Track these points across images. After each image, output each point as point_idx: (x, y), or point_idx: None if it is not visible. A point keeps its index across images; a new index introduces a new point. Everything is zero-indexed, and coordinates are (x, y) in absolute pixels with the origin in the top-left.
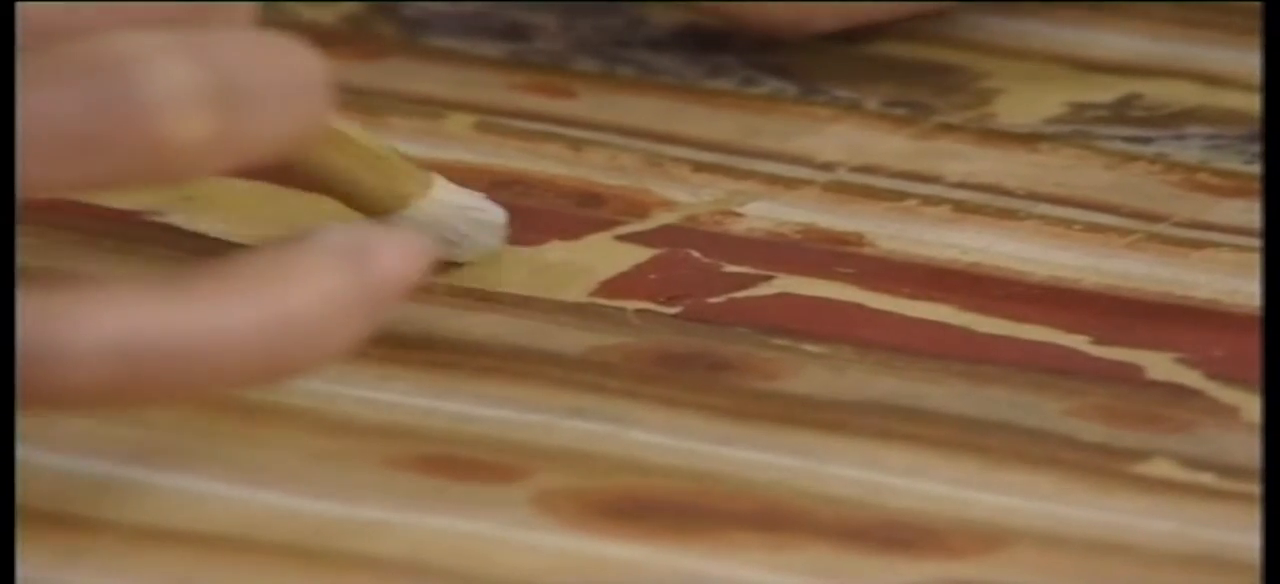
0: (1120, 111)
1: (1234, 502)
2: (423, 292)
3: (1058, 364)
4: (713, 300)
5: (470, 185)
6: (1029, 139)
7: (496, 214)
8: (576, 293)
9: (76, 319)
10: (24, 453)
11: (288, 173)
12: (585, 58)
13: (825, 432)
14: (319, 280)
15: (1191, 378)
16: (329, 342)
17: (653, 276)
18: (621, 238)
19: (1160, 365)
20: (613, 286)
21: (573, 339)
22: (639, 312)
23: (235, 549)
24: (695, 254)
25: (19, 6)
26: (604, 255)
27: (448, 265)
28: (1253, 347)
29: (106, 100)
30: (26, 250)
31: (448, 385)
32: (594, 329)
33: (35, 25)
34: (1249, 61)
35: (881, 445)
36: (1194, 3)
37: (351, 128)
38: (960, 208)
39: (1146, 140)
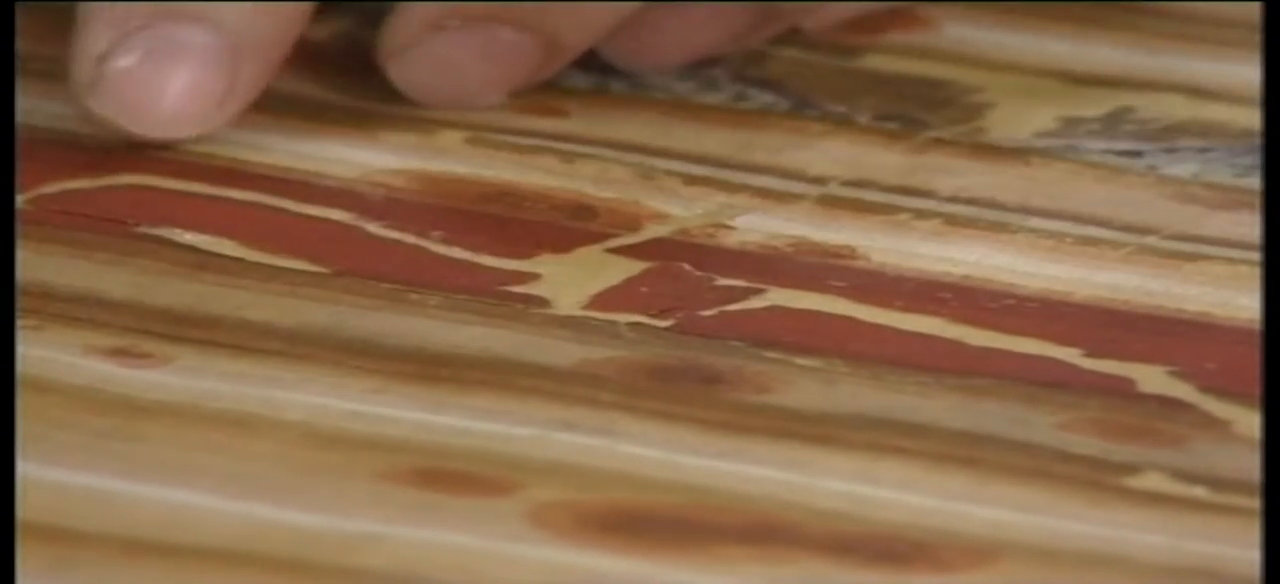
0: (1111, 125)
1: (1226, 515)
2: (414, 304)
3: (1050, 377)
4: (705, 313)
5: (461, 197)
6: (1020, 153)
7: None
8: (568, 306)
9: None
10: (17, 466)
11: None
12: (576, 74)
13: (817, 445)
14: None
15: (1184, 391)
16: None
17: (644, 290)
18: (613, 251)
19: (1152, 379)
20: (604, 299)
21: (564, 352)
22: (631, 324)
23: (227, 563)
24: (687, 267)
25: None
26: (595, 268)
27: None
28: (1245, 360)
29: None
30: (22, 264)
31: (439, 398)
32: (586, 342)
33: None
34: (1240, 74)
35: (873, 459)
36: (1185, 16)
37: None
38: (952, 221)
39: (1138, 154)
